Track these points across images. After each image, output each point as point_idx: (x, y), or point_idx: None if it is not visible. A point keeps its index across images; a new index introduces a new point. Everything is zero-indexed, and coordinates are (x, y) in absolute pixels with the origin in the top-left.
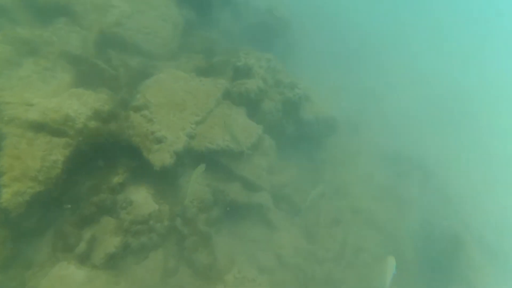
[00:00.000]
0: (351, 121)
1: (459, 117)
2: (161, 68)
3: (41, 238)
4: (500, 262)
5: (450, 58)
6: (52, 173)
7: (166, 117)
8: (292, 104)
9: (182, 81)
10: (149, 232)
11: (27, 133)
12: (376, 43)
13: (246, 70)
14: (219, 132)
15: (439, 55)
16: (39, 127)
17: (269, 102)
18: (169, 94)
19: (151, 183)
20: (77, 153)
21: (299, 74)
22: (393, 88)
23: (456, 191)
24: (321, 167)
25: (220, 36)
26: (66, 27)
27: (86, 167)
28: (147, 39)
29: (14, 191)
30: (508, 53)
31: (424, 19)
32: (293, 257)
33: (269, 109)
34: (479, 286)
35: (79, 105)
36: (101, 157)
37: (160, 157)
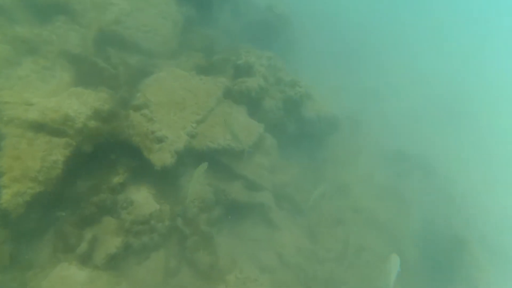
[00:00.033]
0: (352, 119)
1: (459, 116)
2: (161, 66)
3: (41, 239)
4: (501, 262)
5: (450, 58)
6: (52, 173)
7: (167, 116)
8: (294, 102)
9: (182, 79)
10: (150, 232)
11: (27, 133)
12: (376, 42)
13: (246, 68)
14: (220, 131)
15: (439, 55)
16: (39, 127)
17: (270, 100)
18: (169, 93)
19: (151, 182)
20: (77, 153)
21: (300, 74)
22: (393, 88)
23: (457, 190)
24: (323, 166)
25: (220, 34)
26: (65, 25)
27: (86, 167)
28: (146, 37)
29: (14, 191)
30: (508, 53)
31: (424, 19)
32: (295, 256)
33: (270, 108)
34: (481, 286)
35: (79, 104)
36: (101, 157)
37: (161, 157)
